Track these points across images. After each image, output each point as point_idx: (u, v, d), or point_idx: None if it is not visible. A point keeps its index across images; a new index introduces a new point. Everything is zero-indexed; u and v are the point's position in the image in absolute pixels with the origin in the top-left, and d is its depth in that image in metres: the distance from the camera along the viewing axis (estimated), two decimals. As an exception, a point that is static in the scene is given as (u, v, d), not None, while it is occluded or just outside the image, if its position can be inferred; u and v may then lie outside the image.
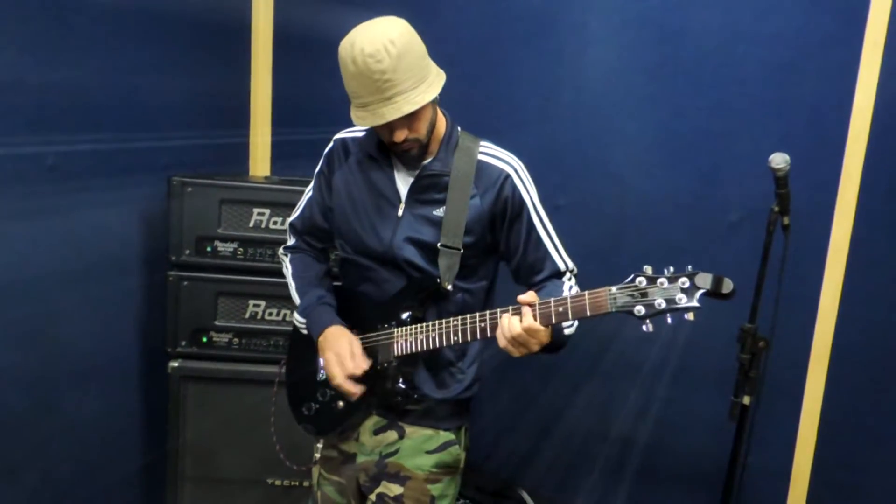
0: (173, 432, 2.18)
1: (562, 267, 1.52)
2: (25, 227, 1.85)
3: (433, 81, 1.40)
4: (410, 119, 1.38)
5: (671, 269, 1.23)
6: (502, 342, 1.34)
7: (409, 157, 1.47)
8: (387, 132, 1.41)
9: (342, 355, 1.50)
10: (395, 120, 1.35)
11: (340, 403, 1.57)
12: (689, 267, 1.22)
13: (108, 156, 2.07)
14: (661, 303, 1.21)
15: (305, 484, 2.17)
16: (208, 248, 2.14)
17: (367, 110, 1.36)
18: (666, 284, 1.21)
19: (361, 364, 1.49)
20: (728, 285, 1.19)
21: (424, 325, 1.46)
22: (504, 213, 1.48)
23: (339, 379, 1.50)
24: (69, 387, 2.03)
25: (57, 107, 1.92)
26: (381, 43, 1.31)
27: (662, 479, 2.27)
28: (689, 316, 1.21)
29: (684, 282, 1.20)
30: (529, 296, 1.33)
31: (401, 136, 1.39)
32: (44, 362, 1.93)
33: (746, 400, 1.64)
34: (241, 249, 2.15)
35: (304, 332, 1.61)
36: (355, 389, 1.49)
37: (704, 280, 1.19)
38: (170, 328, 2.16)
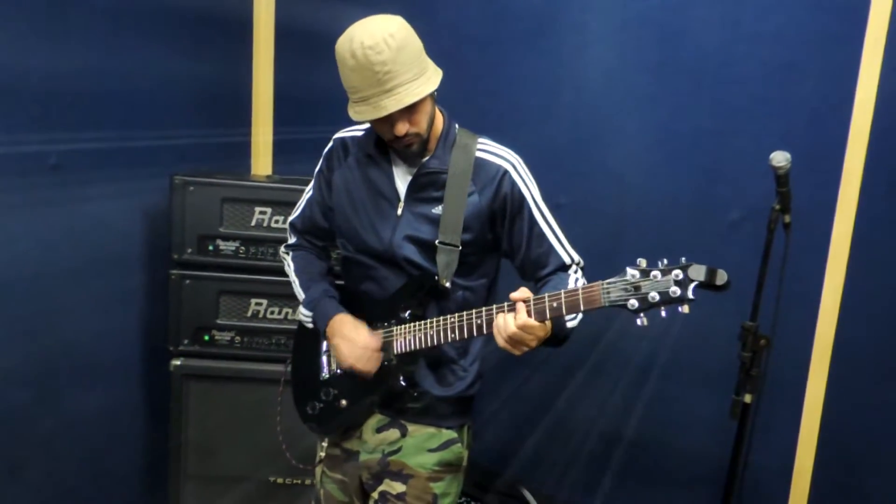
0: (175, 430, 2.18)
1: (567, 260, 1.51)
2: (28, 225, 1.86)
3: (431, 76, 1.40)
4: (411, 112, 1.38)
5: (665, 261, 1.21)
6: (500, 341, 1.33)
7: (410, 153, 1.46)
8: (387, 127, 1.40)
9: (349, 337, 1.50)
10: (395, 113, 1.35)
11: (343, 402, 1.57)
12: (683, 259, 1.19)
13: (110, 154, 2.08)
14: (654, 296, 1.19)
15: (307, 482, 2.17)
16: (210, 247, 2.15)
17: (368, 104, 1.36)
18: (659, 277, 1.19)
19: (370, 343, 1.49)
20: (722, 276, 1.17)
21: (423, 322, 1.46)
22: (504, 210, 1.48)
23: (350, 359, 1.49)
24: (71, 384, 2.04)
25: (59, 105, 1.93)
26: (381, 36, 1.32)
27: (663, 477, 2.27)
28: (684, 309, 1.18)
29: (678, 274, 1.18)
30: (522, 292, 1.33)
31: (402, 129, 1.39)
32: (46, 360, 1.93)
33: (748, 398, 1.64)
34: (242, 248, 2.15)
35: (310, 325, 1.62)
36: (367, 367, 1.49)
37: (698, 272, 1.17)
38: (172, 326, 2.17)
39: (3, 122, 1.79)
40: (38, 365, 1.91)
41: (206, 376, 2.17)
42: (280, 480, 2.21)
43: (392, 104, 1.34)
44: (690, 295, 1.17)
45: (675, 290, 1.17)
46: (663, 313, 1.21)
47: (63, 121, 1.95)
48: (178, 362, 2.16)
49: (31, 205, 1.86)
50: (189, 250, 2.14)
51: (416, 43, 1.39)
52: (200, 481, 2.22)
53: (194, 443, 2.19)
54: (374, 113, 1.36)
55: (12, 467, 1.83)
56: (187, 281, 2.15)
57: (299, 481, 2.19)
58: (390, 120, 1.38)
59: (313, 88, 2.40)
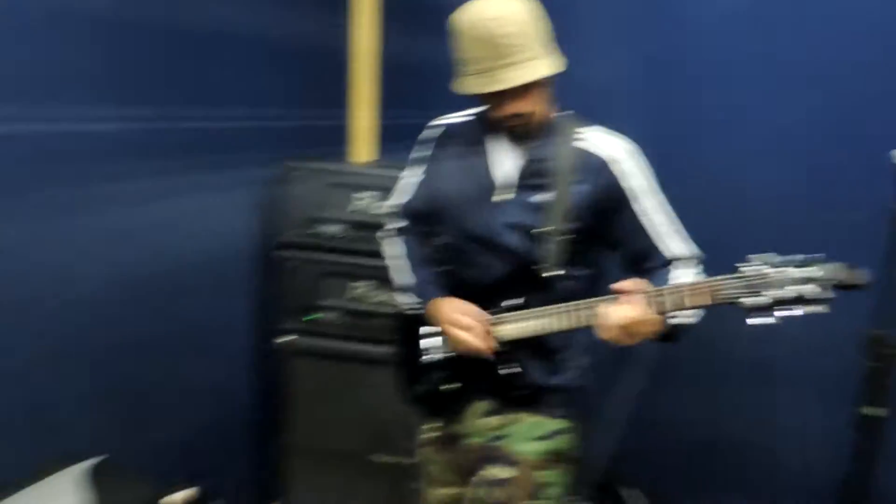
0: (282, 405, 2.28)
1: (673, 254, 1.45)
2: (146, 213, 1.92)
3: (556, 60, 1.38)
4: (528, 91, 1.35)
5: (786, 257, 1.13)
6: (603, 332, 1.31)
7: (517, 134, 1.45)
8: (499, 102, 1.38)
9: (457, 319, 1.49)
10: (512, 89, 1.32)
11: (448, 386, 1.58)
12: (807, 256, 1.11)
13: (221, 139, 2.12)
14: (774, 295, 1.11)
15: (410, 462, 2.19)
16: (315, 230, 2.22)
17: (487, 76, 1.33)
18: (782, 274, 1.11)
19: (480, 319, 1.48)
20: (861, 276, 1.07)
21: (527, 311, 1.45)
22: (607, 201, 1.45)
23: (463, 337, 1.48)
24: (189, 359, 2.13)
25: (180, 92, 2.00)
26: (508, 9, 1.32)
27: (770, 488, 2.18)
28: (812, 309, 1.10)
29: (801, 272, 1.10)
30: (627, 283, 1.29)
31: (517, 107, 1.37)
32: (168, 335, 2.04)
33: (876, 411, 1.52)
34: (346, 232, 2.21)
35: (415, 310, 1.63)
36: (484, 345, 1.47)
37: (827, 270, 1.08)
38: (278, 306, 2.25)
39: (132, 105, 1.87)
40: (161, 340, 2.02)
41: (311, 353, 2.25)
42: (384, 459, 2.25)
43: (513, 77, 1.31)
44: (826, 294, 1.09)
45: (803, 290, 1.10)
46: (785, 314, 1.13)
47: (181, 108, 2.01)
48: (283, 339, 2.25)
49: (153, 193, 1.94)
50: (294, 233, 2.22)
51: (543, 24, 1.37)
52: (306, 454, 2.29)
53: (300, 417, 2.28)
54: (493, 85, 1.33)
55: (138, 428, 1.96)
56: (292, 262, 2.23)
57: (401, 460, 2.20)
58: (504, 96, 1.35)
59: (419, 71, 2.39)
